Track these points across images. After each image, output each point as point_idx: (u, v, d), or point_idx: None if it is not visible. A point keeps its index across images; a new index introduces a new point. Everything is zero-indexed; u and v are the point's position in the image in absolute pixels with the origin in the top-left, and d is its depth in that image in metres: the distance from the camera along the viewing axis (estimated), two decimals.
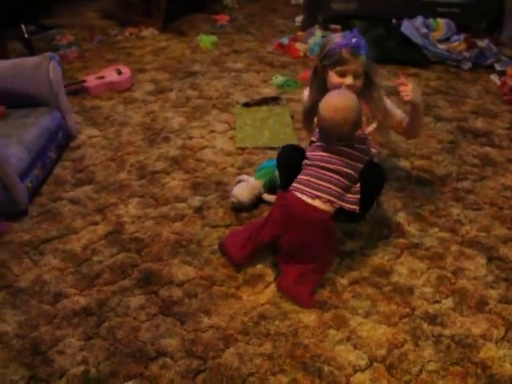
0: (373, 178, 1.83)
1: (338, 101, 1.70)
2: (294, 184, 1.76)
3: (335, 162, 1.73)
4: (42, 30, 3.66)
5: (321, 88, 1.90)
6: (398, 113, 1.96)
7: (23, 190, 2.06)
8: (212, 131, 2.66)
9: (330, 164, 1.73)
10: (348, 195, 1.75)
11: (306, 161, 1.80)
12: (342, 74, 1.82)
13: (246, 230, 1.88)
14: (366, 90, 1.89)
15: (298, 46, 3.63)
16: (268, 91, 3.07)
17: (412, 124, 1.92)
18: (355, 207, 1.74)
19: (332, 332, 1.60)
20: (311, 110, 1.95)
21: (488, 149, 2.55)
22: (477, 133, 2.68)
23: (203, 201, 2.16)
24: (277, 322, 1.63)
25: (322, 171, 1.73)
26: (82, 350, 1.56)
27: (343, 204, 1.73)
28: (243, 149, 2.52)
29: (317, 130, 1.80)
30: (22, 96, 2.37)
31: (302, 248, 1.73)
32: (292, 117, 2.78)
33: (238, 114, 2.80)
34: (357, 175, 1.75)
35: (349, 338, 1.58)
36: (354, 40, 1.79)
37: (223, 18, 4.20)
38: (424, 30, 3.54)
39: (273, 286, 1.75)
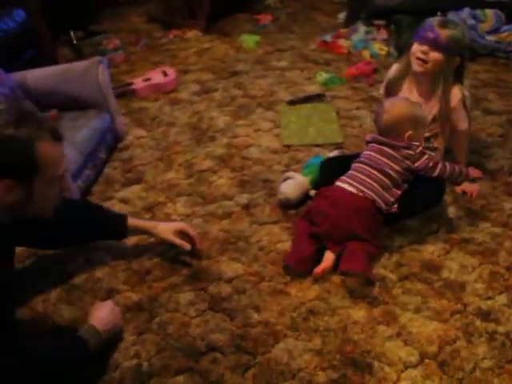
0: (430, 194, 1.96)
1: (393, 105, 1.90)
2: (341, 177, 1.89)
3: (379, 161, 1.86)
4: (90, 36, 3.76)
5: (408, 63, 2.03)
6: (461, 125, 2.06)
7: (76, 189, 2.13)
8: (257, 130, 2.68)
9: (374, 162, 1.86)
10: (386, 194, 1.85)
11: (356, 159, 1.94)
12: (421, 40, 1.93)
13: (298, 241, 1.87)
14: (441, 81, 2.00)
15: (342, 42, 3.61)
16: (312, 89, 3.07)
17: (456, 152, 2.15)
18: (388, 208, 1.85)
19: (382, 328, 1.59)
20: (394, 82, 2.13)
21: None
22: None
23: (250, 198, 2.18)
24: (326, 318, 1.63)
25: (368, 168, 1.86)
26: (135, 344, 1.60)
27: (380, 203, 1.83)
28: (289, 146, 2.53)
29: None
30: (73, 99, 2.45)
31: (350, 232, 1.79)
32: (337, 113, 2.77)
33: (282, 111, 2.81)
34: (398, 178, 1.86)
35: (399, 334, 1.57)
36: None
37: (266, 18, 4.22)
38: (471, 22, 3.44)
39: (321, 282, 1.75)
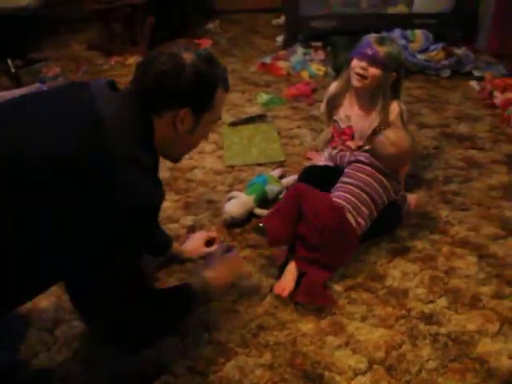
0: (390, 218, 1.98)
1: (399, 139, 1.90)
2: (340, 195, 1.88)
3: (373, 187, 1.87)
4: (29, 64, 3.71)
5: (348, 79, 2.10)
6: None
7: None
8: (201, 152, 2.70)
9: (368, 187, 1.87)
10: (368, 221, 1.87)
11: (344, 178, 1.94)
12: (360, 57, 2.00)
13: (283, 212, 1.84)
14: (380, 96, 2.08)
15: (281, 64, 3.70)
16: (254, 110, 3.12)
17: None
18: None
19: (330, 338, 1.62)
20: (334, 99, 2.19)
21: (472, 152, 2.61)
22: (460, 137, 2.74)
23: (195, 220, 2.19)
24: (275, 333, 1.65)
25: (359, 191, 1.86)
26: (85, 373, 1.55)
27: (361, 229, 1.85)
28: (232, 167, 2.56)
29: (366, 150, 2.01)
30: None
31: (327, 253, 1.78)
32: (278, 133, 2.83)
33: (225, 133, 2.85)
34: (380, 205, 1.89)
35: (347, 343, 1.60)
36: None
37: (206, 42, 4.28)
38: (403, 42, 3.61)
39: (269, 298, 1.77)
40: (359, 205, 1.83)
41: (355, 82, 2.05)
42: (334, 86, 2.23)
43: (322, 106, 2.31)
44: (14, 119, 1.22)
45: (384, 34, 3.57)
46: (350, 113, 2.16)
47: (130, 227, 1.20)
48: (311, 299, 1.72)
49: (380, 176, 1.89)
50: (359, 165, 1.94)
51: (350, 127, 2.16)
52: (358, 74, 2.03)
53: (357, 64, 2.02)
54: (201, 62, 1.33)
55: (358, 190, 1.86)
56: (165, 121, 1.33)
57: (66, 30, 4.68)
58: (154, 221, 1.44)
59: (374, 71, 2.00)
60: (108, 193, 1.16)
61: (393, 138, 1.90)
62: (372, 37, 2.03)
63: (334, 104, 2.21)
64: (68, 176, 1.14)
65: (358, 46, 2.06)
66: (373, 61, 1.99)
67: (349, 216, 1.80)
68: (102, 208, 1.15)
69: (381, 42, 2.01)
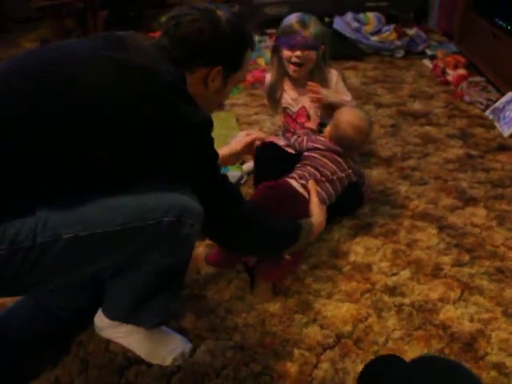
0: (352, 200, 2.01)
1: (360, 121, 1.87)
2: (292, 175, 1.86)
3: (331, 169, 1.87)
4: None
5: (280, 67, 2.06)
6: (347, 97, 2.10)
7: None
8: None
9: (326, 169, 1.86)
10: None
11: (301, 162, 1.92)
12: (292, 47, 1.94)
13: None
14: (316, 71, 2.04)
15: None
16: None
17: None
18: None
19: (298, 316, 1.64)
20: (274, 89, 2.14)
21: (428, 128, 2.67)
22: (416, 114, 2.80)
23: None
24: (244, 315, 1.66)
25: (314, 171, 1.85)
26: (54, 368, 1.52)
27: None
28: None
29: (325, 133, 1.96)
30: None
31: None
32: (237, 120, 2.83)
33: None
34: (338, 186, 1.89)
35: (315, 320, 1.62)
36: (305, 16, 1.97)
37: None
38: (355, 25, 3.67)
39: (236, 281, 1.78)
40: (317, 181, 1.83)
41: (293, 73, 2.02)
42: (269, 77, 2.17)
43: (266, 100, 2.26)
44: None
45: (336, 18, 3.69)
46: (295, 95, 2.14)
47: (200, 142, 1.27)
48: (266, 276, 1.72)
49: (338, 158, 1.89)
50: (317, 151, 1.93)
51: (302, 108, 2.14)
52: (294, 64, 1.99)
53: (290, 54, 1.97)
54: (235, 18, 1.31)
55: (313, 170, 1.86)
56: (196, 77, 1.31)
57: (18, 28, 4.57)
58: None
59: (308, 56, 1.96)
60: (173, 120, 1.19)
61: (352, 120, 1.87)
62: (294, 22, 1.95)
63: (275, 93, 2.16)
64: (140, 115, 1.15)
65: (281, 32, 1.99)
66: (305, 47, 1.94)
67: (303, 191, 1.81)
68: (175, 132, 1.20)
69: (304, 24, 1.95)
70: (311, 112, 2.13)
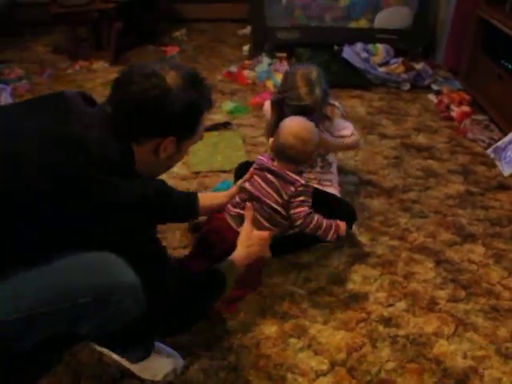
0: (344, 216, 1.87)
1: (300, 129, 1.73)
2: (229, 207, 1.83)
3: (267, 194, 1.75)
4: None
5: (280, 118, 1.89)
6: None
7: None
8: None
9: (262, 195, 1.75)
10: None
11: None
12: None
13: None
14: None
15: (247, 73, 3.74)
16: (219, 117, 3.15)
17: None
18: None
19: (293, 341, 1.65)
20: (273, 129, 2.00)
21: (430, 162, 2.70)
22: (419, 148, 2.84)
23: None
24: (239, 336, 1.67)
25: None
26: (45, 378, 1.54)
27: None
28: (198, 173, 2.57)
29: (270, 144, 1.81)
30: None
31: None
32: (243, 140, 2.87)
33: None
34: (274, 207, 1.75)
35: (309, 345, 1.64)
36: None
37: (173, 50, 4.29)
38: (364, 55, 3.73)
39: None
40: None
41: None
42: (269, 113, 2.11)
43: (266, 138, 2.19)
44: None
45: (346, 47, 3.75)
46: None
47: (133, 219, 1.18)
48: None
49: (273, 179, 1.74)
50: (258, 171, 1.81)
51: None
52: None
53: None
54: (187, 86, 1.21)
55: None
56: (145, 148, 1.23)
57: (31, 33, 4.61)
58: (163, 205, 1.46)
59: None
60: (97, 195, 1.13)
61: (293, 128, 1.74)
62: (302, 90, 1.87)
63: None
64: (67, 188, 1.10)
65: (287, 97, 1.91)
66: (310, 118, 1.82)
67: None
68: (100, 207, 1.13)
69: (311, 91, 1.88)
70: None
